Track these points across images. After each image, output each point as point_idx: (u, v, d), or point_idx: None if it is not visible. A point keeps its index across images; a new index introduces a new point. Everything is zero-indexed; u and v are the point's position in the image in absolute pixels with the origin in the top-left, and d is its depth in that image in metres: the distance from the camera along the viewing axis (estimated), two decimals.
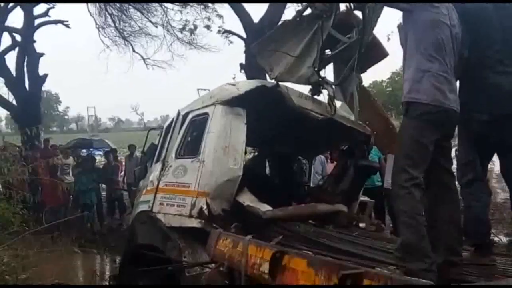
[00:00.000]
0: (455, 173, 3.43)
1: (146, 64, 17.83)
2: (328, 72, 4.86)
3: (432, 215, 3.16)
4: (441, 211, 3.19)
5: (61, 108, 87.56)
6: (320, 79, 4.76)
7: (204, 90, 5.75)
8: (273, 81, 4.95)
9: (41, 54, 15.79)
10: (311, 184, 7.50)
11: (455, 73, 3.23)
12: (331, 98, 4.91)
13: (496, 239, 5.30)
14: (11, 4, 15.45)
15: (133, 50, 17.44)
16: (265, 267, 2.96)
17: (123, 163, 14.46)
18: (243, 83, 5.04)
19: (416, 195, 2.98)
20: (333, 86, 4.81)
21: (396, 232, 3.37)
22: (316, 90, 4.97)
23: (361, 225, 5.01)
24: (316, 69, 4.66)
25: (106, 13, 16.42)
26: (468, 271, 3.06)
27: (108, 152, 13.62)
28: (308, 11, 4.66)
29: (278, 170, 7.17)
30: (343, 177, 5.71)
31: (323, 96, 5.03)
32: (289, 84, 5.00)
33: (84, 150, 19.59)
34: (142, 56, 17.71)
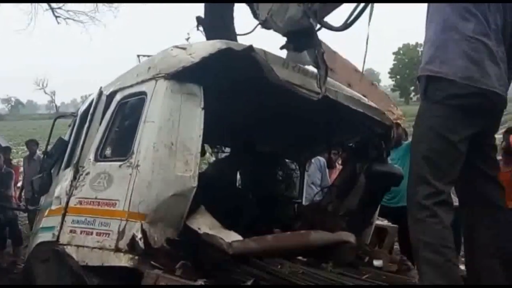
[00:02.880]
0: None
1: (56, 17, 17.62)
2: None
3: (470, 245, 3.19)
4: (482, 239, 3.23)
5: None
6: (314, 22, 4.78)
7: (149, 56, 5.73)
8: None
9: None
10: (304, 201, 7.54)
11: (504, 40, 3.24)
12: (319, 58, 4.95)
13: None
14: None
15: None
16: None
17: (21, 169, 14.26)
18: (199, 46, 4.99)
19: (443, 218, 3.01)
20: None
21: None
22: (305, 42, 4.99)
23: (376, 262, 5.03)
24: (309, 6, 4.67)
25: None
26: None
27: None
28: None
29: (252, 180, 7.15)
30: (349, 190, 5.75)
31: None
32: (269, 47, 4.98)
33: None
34: (49, 4, 17.50)
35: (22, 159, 15.48)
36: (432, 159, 3.07)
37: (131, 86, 5.03)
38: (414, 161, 3.22)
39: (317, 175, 9.15)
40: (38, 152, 13.44)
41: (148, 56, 5.77)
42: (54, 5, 17.38)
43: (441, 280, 2.94)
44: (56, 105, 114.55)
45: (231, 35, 10.59)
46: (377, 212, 5.98)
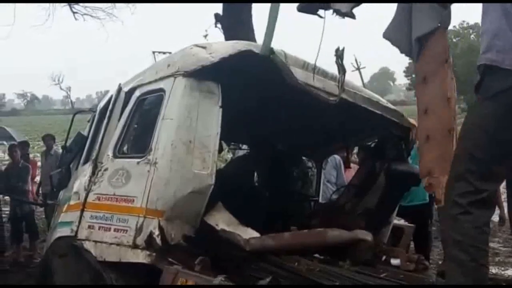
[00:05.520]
0: None
1: (74, 13, 17.70)
2: None
3: None
4: None
5: None
6: None
7: (164, 53, 5.71)
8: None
9: None
10: (320, 199, 7.55)
11: None
12: (339, 61, 4.84)
13: None
14: None
15: None
16: None
17: (38, 163, 14.34)
18: (219, 46, 4.99)
19: (476, 217, 2.97)
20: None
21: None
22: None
23: (393, 261, 5.02)
24: None
25: None
26: None
27: (14, 147, 13.48)
28: None
29: (270, 178, 7.16)
30: (368, 189, 5.75)
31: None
32: (291, 50, 4.98)
33: None
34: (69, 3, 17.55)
35: (38, 154, 15.49)
36: (476, 156, 3.01)
37: (150, 83, 5.05)
38: (456, 157, 3.16)
39: (332, 173, 9.10)
40: (55, 147, 13.50)
41: (164, 52, 5.77)
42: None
43: (464, 279, 2.91)
44: (71, 101, 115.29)
45: (249, 32, 10.60)
46: (395, 212, 5.97)
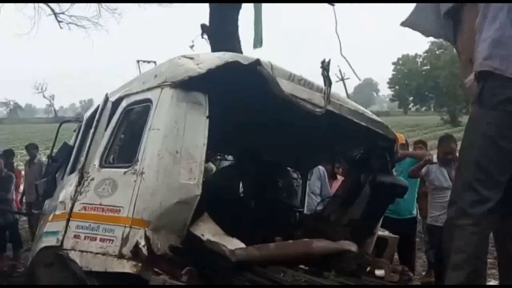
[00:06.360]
0: None
1: (59, 22, 17.67)
2: None
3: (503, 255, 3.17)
4: None
5: None
6: None
7: (149, 62, 5.71)
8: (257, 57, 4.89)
9: None
10: (305, 210, 7.57)
11: None
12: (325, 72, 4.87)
13: None
14: None
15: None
16: None
17: (22, 172, 14.26)
18: (206, 57, 5.02)
19: (485, 227, 2.98)
20: None
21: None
22: None
23: (378, 272, 5.04)
24: None
25: None
26: None
27: None
28: None
29: (255, 188, 7.17)
30: (353, 200, 5.78)
31: None
32: (278, 62, 5.01)
33: None
34: (52, 9, 17.54)
35: (21, 163, 15.37)
36: (483, 166, 3.01)
37: (137, 93, 5.06)
38: (463, 167, 3.18)
39: (317, 184, 9.08)
40: (38, 156, 13.44)
41: (148, 62, 5.76)
42: (57, 9, 17.42)
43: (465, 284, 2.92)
44: (55, 109, 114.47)
45: (236, 43, 10.64)
46: (380, 223, 6.00)
